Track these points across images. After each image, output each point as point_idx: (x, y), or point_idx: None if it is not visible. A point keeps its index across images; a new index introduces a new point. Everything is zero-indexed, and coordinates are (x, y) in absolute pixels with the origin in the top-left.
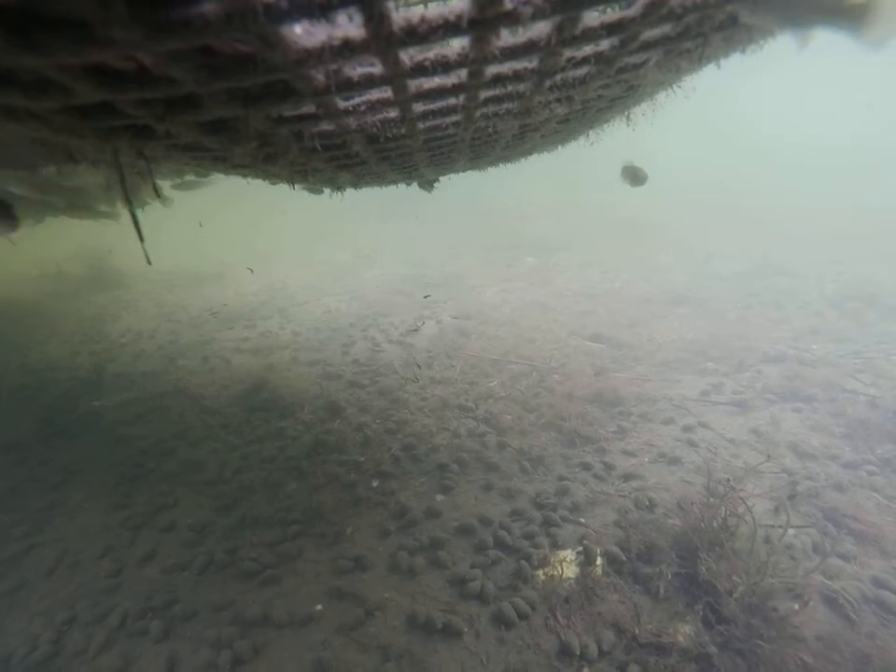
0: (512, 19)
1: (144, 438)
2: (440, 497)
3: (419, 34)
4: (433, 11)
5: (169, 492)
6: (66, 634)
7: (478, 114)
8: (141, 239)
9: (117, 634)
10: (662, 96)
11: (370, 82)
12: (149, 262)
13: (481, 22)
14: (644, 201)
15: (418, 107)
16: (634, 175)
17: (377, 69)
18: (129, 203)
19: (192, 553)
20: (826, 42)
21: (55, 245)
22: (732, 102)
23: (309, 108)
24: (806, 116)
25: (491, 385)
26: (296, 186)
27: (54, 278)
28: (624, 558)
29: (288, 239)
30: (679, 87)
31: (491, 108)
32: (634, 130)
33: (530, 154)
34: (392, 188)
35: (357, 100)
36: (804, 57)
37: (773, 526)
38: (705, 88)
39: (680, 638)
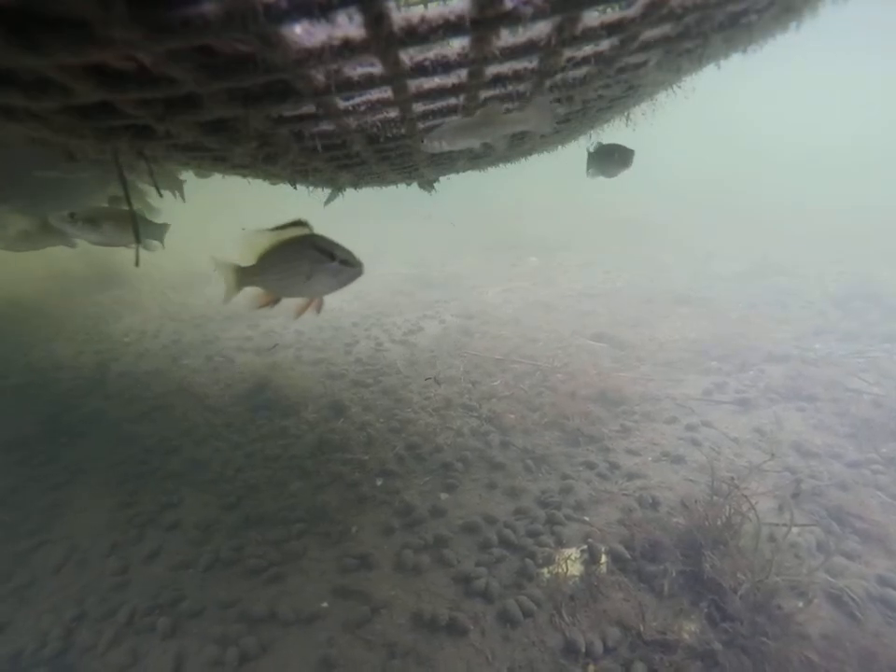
0: (512, 19)
1: (148, 436)
2: (444, 496)
3: (419, 34)
4: (433, 11)
5: (174, 490)
6: (75, 630)
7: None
8: (137, 241)
9: (125, 630)
10: (662, 96)
11: (370, 82)
12: (137, 264)
13: (481, 22)
14: (644, 201)
15: (418, 107)
16: (607, 161)
17: (377, 69)
18: (129, 202)
19: (198, 551)
20: (825, 43)
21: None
22: (732, 102)
23: (309, 108)
24: (806, 116)
25: (494, 384)
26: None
27: (58, 278)
28: (629, 556)
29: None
30: (679, 87)
31: None
32: (634, 130)
33: (530, 154)
34: (392, 188)
35: (356, 100)
36: (804, 58)
37: (777, 525)
38: (705, 88)
39: (685, 636)
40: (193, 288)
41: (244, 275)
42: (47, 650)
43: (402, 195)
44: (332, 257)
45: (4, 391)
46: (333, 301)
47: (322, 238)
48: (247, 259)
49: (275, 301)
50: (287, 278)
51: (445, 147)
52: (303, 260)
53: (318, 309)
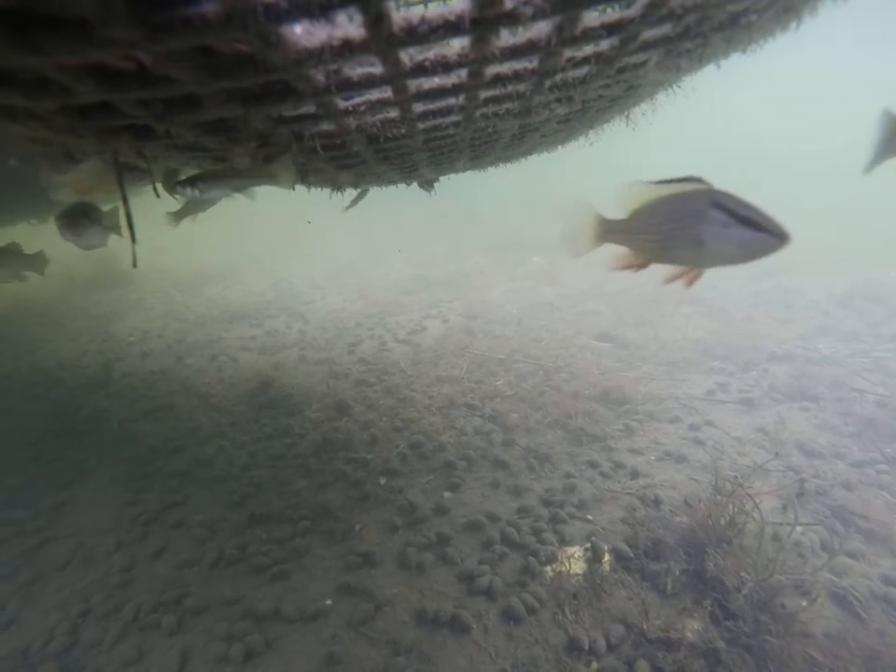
0: (512, 19)
1: (153, 435)
2: (447, 495)
3: (419, 34)
4: (433, 11)
5: (179, 489)
6: (81, 626)
7: (478, 114)
8: (133, 240)
9: (130, 627)
10: (661, 96)
11: (370, 82)
12: (135, 265)
13: (481, 22)
14: None
15: (418, 107)
16: None
17: (377, 69)
18: (125, 203)
19: (203, 549)
20: (825, 48)
21: (61, 244)
22: (732, 103)
23: (309, 108)
24: (808, 117)
25: (497, 383)
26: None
27: (61, 278)
28: (632, 555)
29: (291, 239)
30: (679, 87)
31: (491, 108)
32: (633, 129)
33: (530, 154)
34: (393, 188)
35: (357, 100)
36: (805, 64)
37: (781, 524)
38: (704, 90)
39: (689, 634)
40: (196, 288)
41: (608, 229)
42: (53, 645)
43: (405, 196)
44: (740, 219)
45: (10, 391)
46: (336, 300)
47: (727, 195)
48: (618, 212)
49: (642, 266)
50: (669, 240)
51: (198, 195)
52: (698, 221)
53: (691, 282)
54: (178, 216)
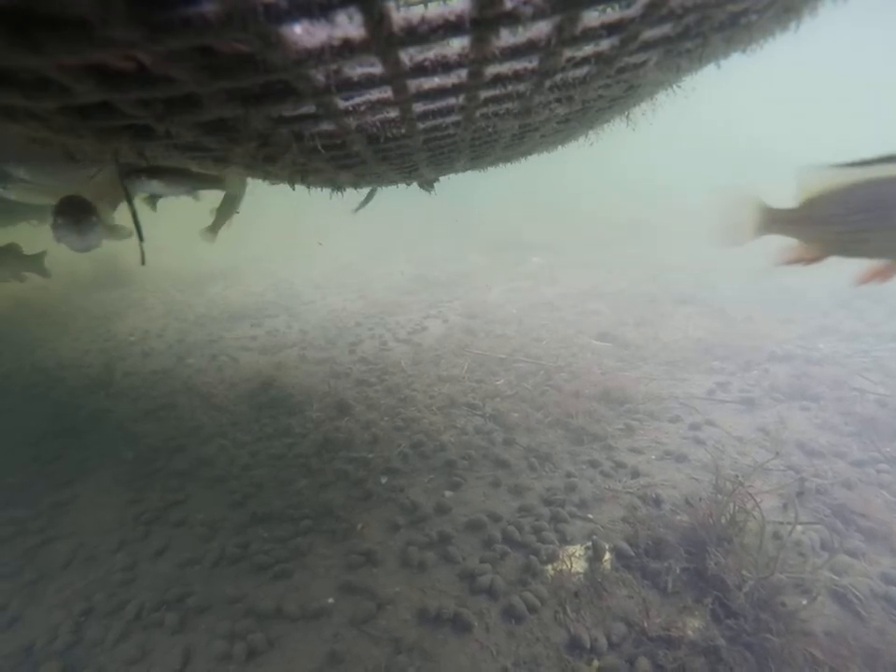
0: (512, 19)
1: (154, 435)
2: (448, 494)
3: (419, 34)
4: (433, 11)
5: (180, 488)
6: (84, 625)
7: (478, 114)
8: (141, 238)
9: (133, 625)
10: (662, 96)
11: (370, 82)
12: (143, 263)
13: (481, 22)
14: (646, 203)
15: (418, 107)
16: None
17: (377, 69)
18: (130, 202)
19: (205, 548)
20: (825, 48)
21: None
22: (735, 105)
23: (309, 108)
24: (808, 121)
25: (498, 383)
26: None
27: (62, 278)
28: (633, 553)
29: (292, 239)
30: (679, 87)
31: (491, 108)
32: (634, 129)
33: (530, 154)
34: (393, 188)
35: (357, 100)
36: (805, 64)
37: (781, 523)
38: (704, 93)
39: (689, 632)
40: (197, 288)
41: (774, 219)
42: (56, 643)
43: (404, 196)
44: None
45: (10, 391)
46: (337, 300)
47: None
48: (788, 201)
49: (816, 260)
50: (866, 231)
51: (157, 189)
52: None
53: (888, 278)
54: (214, 228)
